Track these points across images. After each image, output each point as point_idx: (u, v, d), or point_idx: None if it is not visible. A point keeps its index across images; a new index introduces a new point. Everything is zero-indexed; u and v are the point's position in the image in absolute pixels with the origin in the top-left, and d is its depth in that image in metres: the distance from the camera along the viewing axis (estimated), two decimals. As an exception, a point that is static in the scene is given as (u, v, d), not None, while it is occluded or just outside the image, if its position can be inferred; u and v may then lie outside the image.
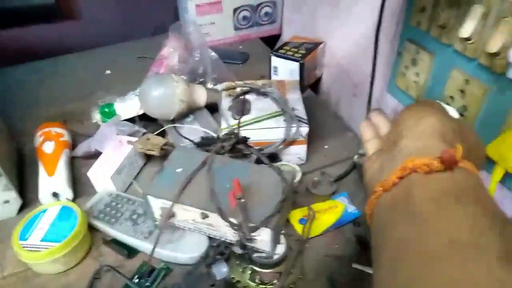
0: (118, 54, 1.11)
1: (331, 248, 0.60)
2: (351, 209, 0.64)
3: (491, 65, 0.47)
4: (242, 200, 0.50)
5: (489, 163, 0.48)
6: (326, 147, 0.78)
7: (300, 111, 0.71)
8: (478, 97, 0.49)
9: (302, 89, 0.80)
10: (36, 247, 0.54)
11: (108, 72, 1.03)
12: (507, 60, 0.43)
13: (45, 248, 0.54)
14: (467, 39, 0.47)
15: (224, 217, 0.49)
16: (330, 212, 0.64)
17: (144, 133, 0.72)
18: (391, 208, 0.31)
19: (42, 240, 0.55)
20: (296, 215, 0.63)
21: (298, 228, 0.61)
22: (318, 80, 1.00)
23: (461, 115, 0.51)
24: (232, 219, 0.50)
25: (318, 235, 0.61)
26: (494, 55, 0.45)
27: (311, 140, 0.73)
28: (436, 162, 0.29)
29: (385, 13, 0.60)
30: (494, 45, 0.45)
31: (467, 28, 0.47)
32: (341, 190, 0.68)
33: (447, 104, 0.50)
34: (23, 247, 0.54)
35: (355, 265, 0.57)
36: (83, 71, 1.04)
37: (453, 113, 0.46)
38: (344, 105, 0.93)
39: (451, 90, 0.52)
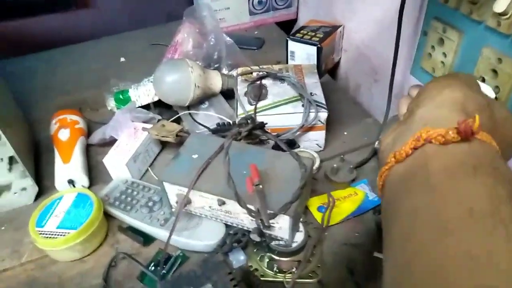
0: (132, 42, 1.10)
1: (351, 237, 0.58)
2: (372, 196, 0.62)
3: (527, 42, 0.43)
4: (260, 186, 0.48)
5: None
6: (345, 133, 0.75)
7: (319, 96, 0.68)
8: None
9: (320, 74, 0.77)
10: (52, 234, 0.54)
11: (122, 59, 1.02)
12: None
13: (61, 235, 0.53)
14: (502, 13, 0.43)
15: (241, 203, 0.48)
16: (349, 199, 0.62)
17: (159, 120, 0.71)
18: (404, 179, 0.29)
19: (58, 227, 0.54)
20: (315, 203, 0.61)
21: (317, 216, 0.59)
22: (337, 65, 0.97)
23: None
24: (250, 206, 0.48)
25: (337, 223, 0.59)
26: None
27: (330, 126, 0.71)
28: (452, 133, 0.27)
29: (409, -10, 0.57)
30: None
31: (502, 2, 0.43)
32: (361, 177, 0.66)
33: (482, 81, 0.47)
34: (40, 234, 0.54)
35: (376, 254, 0.55)
36: (97, 59, 1.03)
37: (489, 90, 0.43)
38: (364, 91, 0.90)
39: (482, 70, 0.49)
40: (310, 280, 0.52)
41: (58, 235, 0.54)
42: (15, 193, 0.64)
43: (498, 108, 0.34)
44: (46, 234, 0.54)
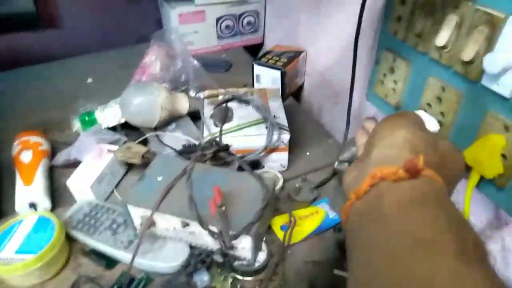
0: (100, 62, 1.10)
1: (313, 254, 0.60)
2: (332, 215, 0.64)
3: (465, 73, 0.48)
4: (223, 208, 0.50)
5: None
6: (307, 153, 0.79)
7: (282, 118, 0.71)
8: (454, 104, 0.50)
9: (284, 97, 0.81)
10: (9, 260, 0.53)
11: (89, 80, 1.02)
12: (481, 68, 0.45)
13: (20, 260, 0.52)
14: (443, 47, 0.48)
15: (204, 225, 0.49)
16: (311, 218, 0.64)
17: (125, 142, 0.72)
18: (363, 214, 0.33)
19: (16, 252, 0.53)
20: (277, 222, 0.63)
21: (280, 234, 0.61)
22: (300, 88, 1.01)
23: (439, 122, 0.52)
24: (212, 227, 0.50)
25: (299, 241, 0.61)
26: (469, 63, 0.47)
27: (293, 147, 0.74)
28: (401, 171, 0.31)
29: (364, 22, 0.61)
30: (468, 54, 0.46)
31: (443, 37, 0.48)
32: (322, 196, 0.69)
33: (426, 112, 0.51)
34: (-3, 259, 0.53)
35: (336, 271, 0.57)
36: (64, 80, 1.03)
37: (433, 123, 0.47)
38: (326, 113, 0.94)
39: (428, 97, 0.54)
40: (272, 299, 0.53)
41: (16, 260, 0.52)
42: (-28, 217, 0.62)
43: (441, 142, 0.38)
44: (3, 260, 0.53)
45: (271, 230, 0.62)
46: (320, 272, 0.58)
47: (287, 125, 0.70)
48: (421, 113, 0.51)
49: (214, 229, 0.50)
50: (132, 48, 1.13)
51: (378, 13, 0.66)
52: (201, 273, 0.55)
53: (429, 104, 0.54)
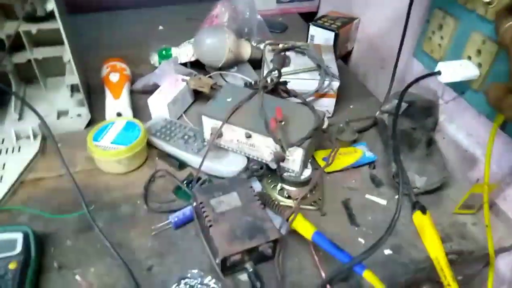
0: (169, 15, 1.22)
1: (348, 182, 0.70)
2: (369, 154, 0.74)
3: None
4: (282, 123, 0.60)
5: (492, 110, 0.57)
6: (351, 106, 0.88)
7: (333, 68, 0.81)
8: (492, 55, 0.58)
9: (335, 58, 0.90)
10: (106, 148, 0.66)
11: (161, 28, 1.14)
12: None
13: (114, 148, 0.66)
14: (489, 3, 0.56)
15: (268, 129, 0.59)
16: (350, 155, 0.74)
17: (195, 75, 0.83)
18: None
19: (112, 143, 0.66)
20: (320, 154, 0.73)
21: (322, 163, 0.71)
22: (349, 54, 1.09)
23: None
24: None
25: (338, 171, 0.71)
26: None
27: (338, 99, 0.83)
28: None
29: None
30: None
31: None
32: (361, 140, 0.78)
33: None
34: (96, 146, 0.66)
35: (368, 196, 0.67)
36: (137, 26, 1.16)
37: (474, 69, 0.55)
38: (371, 77, 1.02)
39: (469, 51, 0.62)
40: (312, 207, 0.64)
41: (111, 148, 0.66)
42: (71, 117, 0.76)
43: None
44: (101, 147, 0.66)
45: (314, 160, 0.72)
46: (353, 195, 0.68)
47: (337, 74, 0.79)
48: (464, 61, 0.59)
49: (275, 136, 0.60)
50: (196, 5, 1.25)
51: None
52: (254, 181, 0.67)
53: (469, 57, 0.62)
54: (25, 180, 0.67)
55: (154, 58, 0.89)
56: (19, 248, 0.50)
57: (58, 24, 0.64)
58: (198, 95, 0.84)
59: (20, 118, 0.74)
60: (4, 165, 0.67)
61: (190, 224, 0.60)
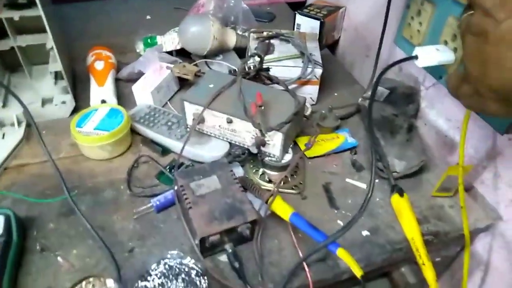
0: (157, 4, 1.22)
1: (329, 167, 0.71)
2: (351, 140, 0.75)
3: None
4: (262, 108, 0.61)
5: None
6: (335, 94, 0.89)
7: (317, 56, 0.81)
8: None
9: (321, 47, 0.90)
10: (89, 133, 0.67)
11: (148, 17, 1.14)
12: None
13: (97, 134, 0.66)
14: (463, -12, 0.57)
15: (247, 114, 0.60)
16: (332, 141, 0.75)
17: (180, 62, 0.84)
18: None
19: (94, 129, 0.67)
20: (303, 141, 0.74)
21: (303, 148, 0.72)
22: (336, 42, 1.10)
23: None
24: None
25: (320, 156, 0.72)
26: None
27: (323, 87, 0.84)
28: None
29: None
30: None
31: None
32: (344, 127, 0.79)
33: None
34: (79, 132, 0.67)
35: (348, 180, 0.68)
36: (125, 14, 1.16)
37: (450, 54, 0.56)
38: (356, 66, 1.03)
39: (446, 35, 0.63)
40: (293, 191, 0.65)
41: (94, 134, 0.66)
42: (56, 105, 0.77)
43: None
44: (84, 133, 0.67)
45: (297, 146, 0.73)
46: (334, 180, 0.69)
47: (321, 62, 0.80)
48: (440, 46, 0.60)
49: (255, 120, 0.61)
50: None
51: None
52: (236, 167, 0.68)
53: (445, 41, 0.63)
54: (9, 166, 0.68)
55: (140, 47, 0.90)
56: (0, 230, 0.51)
57: (39, 11, 0.65)
58: (183, 83, 0.85)
59: (4, 106, 0.75)
60: (-12, 151, 0.68)
61: (172, 208, 0.61)
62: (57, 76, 0.79)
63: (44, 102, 0.77)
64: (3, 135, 0.71)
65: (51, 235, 0.57)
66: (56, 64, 0.71)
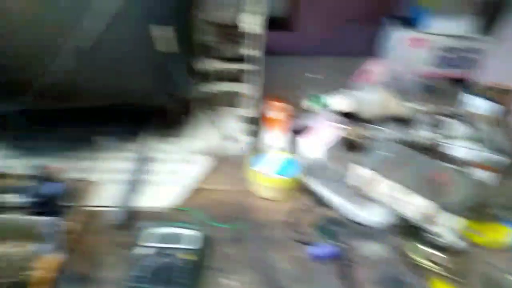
0: (325, 66, 1.32)
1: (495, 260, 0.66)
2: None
3: None
4: (440, 186, 0.62)
5: None
6: None
7: (499, 142, 0.79)
8: None
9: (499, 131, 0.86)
10: (269, 175, 0.76)
11: (318, 76, 1.24)
12: None
13: (276, 178, 0.75)
14: None
15: (422, 189, 0.62)
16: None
17: (348, 124, 0.90)
18: None
19: (276, 173, 0.76)
20: (476, 227, 0.69)
21: (474, 236, 0.69)
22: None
23: None
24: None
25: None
26: None
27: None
28: None
29: None
30: None
31: None
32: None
33: None
34: (261, 172, 0.76)
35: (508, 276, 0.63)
36: (290, 71, 1.28)
37: None
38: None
39: None
40: (451, 276, 0.63)
41: (273, 177, 0.75)
42: (237, 143, 0.90)
43: None
44: (265, 174, 0.76)
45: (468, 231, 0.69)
46: (495, 274, 0.64)
47: (505, 150, 0.77)
48: None
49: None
50: (349, 59, 1.33)
51: None
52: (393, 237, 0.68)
53: None
54: (198, 188, 0.80)
55: (307, 103, 0.99)
56: (200, 244, 0.62)
57: (253, 66, 0.79)
58: (348, 143, 0.90)
59: (194, 137, 0.90)
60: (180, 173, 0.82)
61: (327, 260, 0.65)
62: (242, 119, 0.93)
63: (228, 139, 0.91)
64: (193, 161, 0.85)
65: (221, 257, 0.66)
66: (245, 110, 0.84)
